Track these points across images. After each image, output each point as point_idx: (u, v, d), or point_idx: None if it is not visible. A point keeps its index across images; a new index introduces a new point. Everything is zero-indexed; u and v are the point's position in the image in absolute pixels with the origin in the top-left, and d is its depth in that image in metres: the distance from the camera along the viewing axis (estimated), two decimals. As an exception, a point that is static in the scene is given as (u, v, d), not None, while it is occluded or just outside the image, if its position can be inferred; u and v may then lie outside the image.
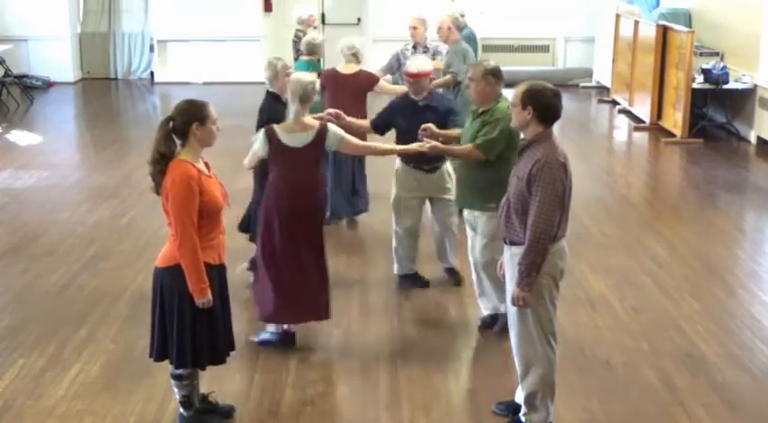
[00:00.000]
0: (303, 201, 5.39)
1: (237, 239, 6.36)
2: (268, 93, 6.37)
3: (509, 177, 4.55)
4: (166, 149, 4.31)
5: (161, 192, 4.32)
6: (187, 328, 4.39)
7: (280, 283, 5.43)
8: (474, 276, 5.89)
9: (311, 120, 5.43)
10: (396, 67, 8.86)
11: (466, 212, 5.82)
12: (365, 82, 7.65)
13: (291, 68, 6.50)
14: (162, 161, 4.30)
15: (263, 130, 5.40)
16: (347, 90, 7.52)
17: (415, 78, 6.19)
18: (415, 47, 8.81)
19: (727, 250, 7.57)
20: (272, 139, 5.33)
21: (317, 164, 5.47)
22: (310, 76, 5.59)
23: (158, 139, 4.31)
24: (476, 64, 5.92)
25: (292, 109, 5.35)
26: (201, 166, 4.41)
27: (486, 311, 5.87)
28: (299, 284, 5.44)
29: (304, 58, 8.26)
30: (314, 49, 8.20)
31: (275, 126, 5.39)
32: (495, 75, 5.53)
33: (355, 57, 7.67)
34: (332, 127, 5.47)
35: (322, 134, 5.36)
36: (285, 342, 5.60)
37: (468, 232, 5.85)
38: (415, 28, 8.86)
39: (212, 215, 4.37)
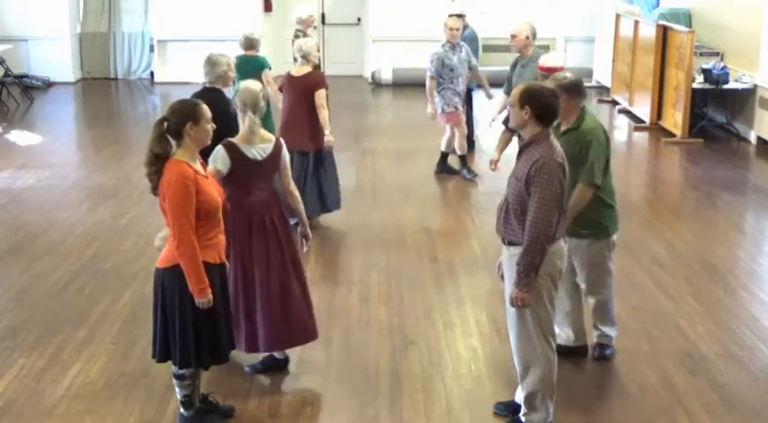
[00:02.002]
0: (264, 215, 5.06)
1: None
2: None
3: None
4: (161, 150, 4.30)
5: (158, 192, 4.33)
6: (189, 329, 4.39)
7: (250, 313, 5.09)
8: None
9: (265, 131, 5.10)
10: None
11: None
12: (311, 84, 7.59)
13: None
14: (157, 162, 4.29)
15: (221, 146, 4.92)
16: (296, 91, 7.59)
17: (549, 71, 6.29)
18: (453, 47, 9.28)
19: (727, 250, 7.57)
20: (232, 152, 4.92)
21: (272, 176, 5.12)
22: (258, 85, 5.18)
23: (153, 140, 4.30)
24: (552, 79, 5.11)
25: (248, 119, 4.98)
26: (198, 166, 4.41)
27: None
28: (279, 310, 5.10)
29: (243, 53, 8.25)
30: (252, 44, 8.13)
31: (232, 140, 4.97)
32: (567, 91, 4.96)
33: (306, 58, 7.63)
34: (284, 145, 5.18)
35: (279, 147, 5.08)
36: (276, 367, 5.34)
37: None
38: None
39: (210, 215, 4.37)
